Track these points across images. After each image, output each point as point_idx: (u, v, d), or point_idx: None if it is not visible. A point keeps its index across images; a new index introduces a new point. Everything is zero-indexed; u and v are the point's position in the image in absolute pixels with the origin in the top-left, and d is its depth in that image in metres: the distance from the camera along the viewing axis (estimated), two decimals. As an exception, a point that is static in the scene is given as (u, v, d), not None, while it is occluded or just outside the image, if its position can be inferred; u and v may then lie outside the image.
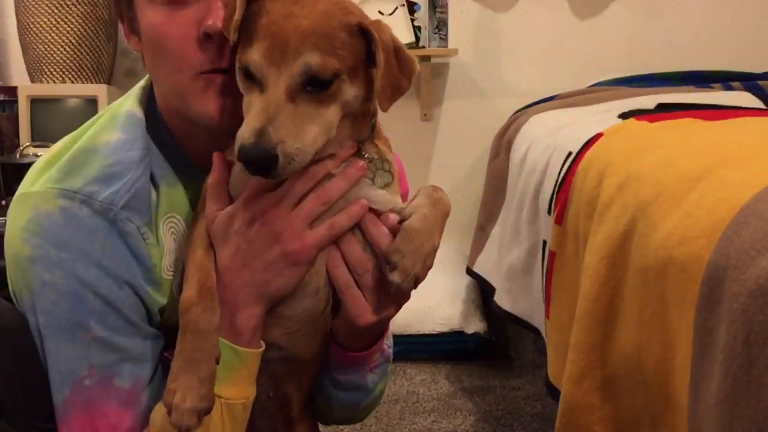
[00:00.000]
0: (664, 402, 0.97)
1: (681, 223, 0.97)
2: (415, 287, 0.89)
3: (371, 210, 0.91)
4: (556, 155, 1.72)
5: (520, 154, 2.13)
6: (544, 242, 1.68)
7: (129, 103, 0.99)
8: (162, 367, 0.98)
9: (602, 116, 1.93)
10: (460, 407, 2.12)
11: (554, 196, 1.62)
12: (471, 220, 2.63)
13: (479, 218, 2.49)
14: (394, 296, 0.92)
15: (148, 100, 1.00)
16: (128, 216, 0.92)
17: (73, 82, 2.69)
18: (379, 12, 2.81)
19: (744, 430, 0.74)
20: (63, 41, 2.66)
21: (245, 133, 0.79)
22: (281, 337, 0.94)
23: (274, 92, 0.80)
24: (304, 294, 0.92)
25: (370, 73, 0.86)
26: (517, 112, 2.67)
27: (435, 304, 2.44)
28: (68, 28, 2.65)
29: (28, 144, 2.57)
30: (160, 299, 0.96)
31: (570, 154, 1.63)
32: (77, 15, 2.66)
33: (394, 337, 1.17)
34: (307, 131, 0.81)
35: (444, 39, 2.76)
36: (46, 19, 2.63)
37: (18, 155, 2.53)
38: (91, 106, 2.60)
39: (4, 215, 0.95)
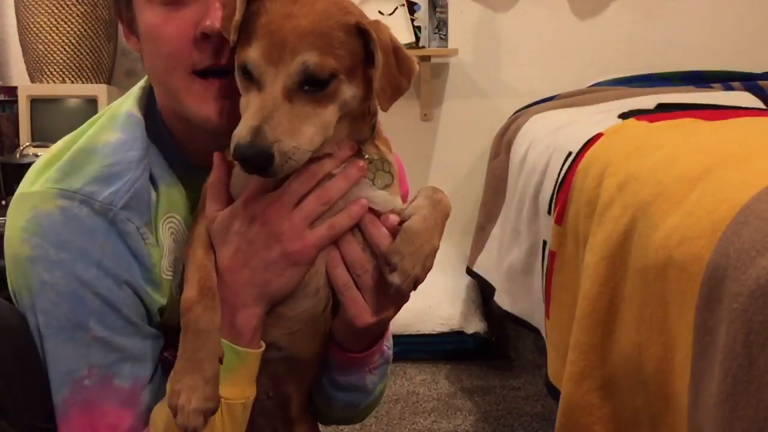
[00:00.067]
0: (664, 402, 0.97)
1: (681, 223, 0.97)
2: (414, 288, 0.88)
3: (371, 211, 0.91)
4: (556, 155, 1.72)
5: (520, 154, 2.13)
6: (544, 242, 1.68)
7: (128, 103, 0.99)
8: (162, 367, 0.98)
9: (602, 116, 1.93)
10: (460, 407, 2.12)
11: (554, 196, 1.62)
12: (471, 220, 2.63)
13: (479, 218, 2.49)
14: (393, 297, 0.92)
15: (147, 101, 1.01)
16: (128, 216, 0.92)
17: (73, 82, 2.69)
18: (379, 12, 2.81)
19: (744, 430, 0.74)
20: (63, 41, 2.66)
21: (241, 131, 0.79)
22: (281, 338, 0.94)
23: (271, 91, 0.80)
24: (304, 294, 0.92)
25: (369, 73, 0.86)
26: (517, 112, 2.67)
27: (435, 304, 2.44)
28: (68, 28, 2.65)
29: (28, 144, 2.57)
30: (159, 299, 0.96)
31: (570, 154, 1.63)
32: (77, 15, 2.66)
33: (394, 337, 1.17)
34: (303, 130, 0.81)
35: (444, 39, 2.76)
36: (46, 19, 2.63)
37: (18, 155, 2.53)
38: (91, 106, 2.60)
39: (4, 215, 0.95)
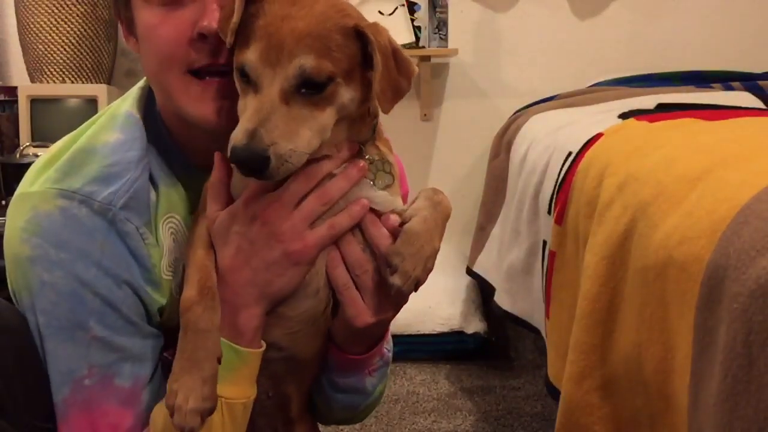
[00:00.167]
0: (663, 402, 0.97)
1: (681, 223, 0.97)
2: (416, 290, 0.88)
3: (372, 211, 0.91)
4: (556, 155, 1.72)
5: (520, 154, 2.13)
6: (544, 242, 1.68)
7: (128, 103, 0.99)
8: (162, 367, 0.98)
9: (602, 116, 1.93)
10: (460, 407, 2.12)
11: (554, 196, 1.62)
12: (471, 220, 2.63)
13: (479, 218, 2.49)
14: (393, 298, 0.92)
15: (147, 101, 1.01)
16: (127, 216, 0.92)
17: (73, 82, 2.69)
18: (379, 12, 2.81)
19: (744, 430, 0.74)
20: (63, 41, 2.66)
21: (237, 134, 0.79)
22: (282, 338, 0.94)
23: (268, 94, 0.80)
24: (304, 294, 0.92)
25: (367, 76, 0.86)
26: (517, 112, 2.67)
27: (435, 304, 2.44)
28: (68, 28, 2.65)
29: (28, 144, 2.57)
30: (159, 299, 0.96)
31: (570, 154, 1.63)
32: (77, 15, 2.66)
33: (394, 337, 1.17)
34: (300, 133, 0.81)
35: (444, 39, 2.76)
36: (46, 19, 2.63)
37: (18, 155, 2.53)
38: (91, 106, 2.60)
39: (4, 215, 0.95)
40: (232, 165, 0.83)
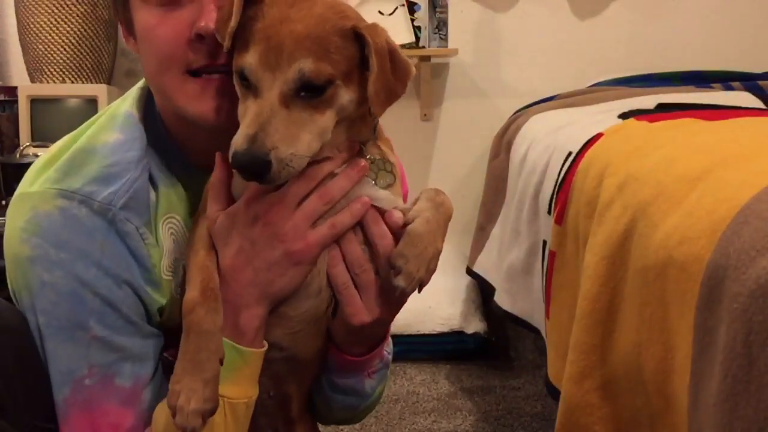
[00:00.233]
0: (663, 402, 0.97)
1: (681, 223, 0.97)
2: (419, 291, 0.89)
3: (375, 209, 0.91)
4: (556, 155, 1.72)
5: (520, 154, 2.13)
6: (544, 242, 1.68)
7: (128, 103, 0.99)
8: (162, 367, 0.97)
9: (602, 116, 1.93)
10: (460, 407, 2.12)
11: (554, 196, 1.62)
12: (471, 220, 2.63)
13: (479, 218, 2.49)
14: (395, 299, 0.92)
15: (146, 101, 1.01)
16: (127, 216, 0.92)
17: (73, 82, 2.69)
18: (379, 12, 2.81)
19: (744, 430, 0.74)
20: (63, 41, 2.66)
21: (238, 139, 0.79)
22: (283, 338, 0.94)
23: (268, 98, 0.80)
24: (306, 294, 0.92)
25: (366, 77, 0.85)
26: (517, 112, 2.67)
27: (435, 304, 2.44)
28: (68, 28, 2.65)
29: (28, 144, 2.57)
30: (159, 299, 0.96)
31: (570, 154, 1.63)
32: (77, 15, 2.65)
33: (394, 337, 1.17)
34: (301, 137, 0.81)
35: (444, 39, 2.76)
36: (46, 19, 2.63)
37: (18, 155, 2.53)
38: (91, 106, 2.60)
39: (4, 215, 0.95)
40: (234, 170, 0.83)
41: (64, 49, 2.66)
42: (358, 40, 0.84)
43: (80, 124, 1.00)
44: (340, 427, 1.81)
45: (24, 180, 0.94)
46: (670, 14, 2.98)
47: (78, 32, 2.66)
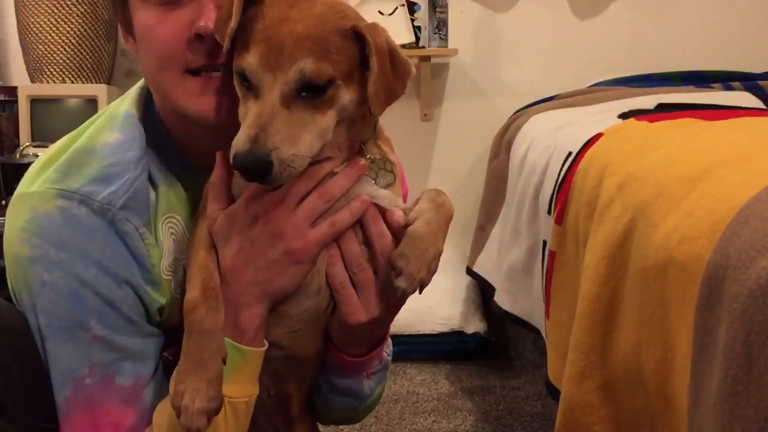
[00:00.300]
0: (663, 402, 0.97)
1: (681, 223, 0.97)
2: (420, 292, 0.89)
3: (375, 208, 0.91)
4: (556, 155, 1.72)
5: (520, 154, 2.13)
6: (544, 242, 1.68)
7: (127, 103, 0.99)
8: (162, 366, 0.98)
9: (602, 116, 1.93)
10: (460, 407, 2.12)
11: (554, 196, 1.62)
12: (471, 220, 2.62)
13: (479, 218, 2.49)
14: (396, 300, 0.92)
15: (146, 101, 1.01)
16: (126, 216, 0.92)
17: (73, 82, 2.69)
18: (379, 12, 2.81)
19: (744, 430, 0.74)
20: (63, 41, 2.66)
21: (240, 140, 0.79)
22: (283, 337, 0.95)
23: (269, 98, 0.80)
24: (306, 294, 0.93)
25: (366, 76, 0.86)
26: (517, 112, 2.67)
27: (435, 304, 2.44)
28: (68, 28, 2.65)
29: (28, 144, 2.57)
30: (159, 299, 0.96)
31: (570, 154, 1.63)
32: (77, 15, 2.65)
33: (394, 337, 1.17)
34: (302, 137, 0.81)
35: (444, 39, 2.76)
36: (46, 19, 2.63)
37: (18, 155, 2.53)
38: (91, 106, 2.60)
39: (4, 215, 0.95)
40: (235, 171, 0.83)
41: (64, 49, 2.66)
42: (359, 39, 0.84)
43: (80, 124, 1.00)
44: (340, 427, 1.81)
45: (23, 180, 0.94)
46: (670, 14, 2.98)
47: (78, 32, 2.66)
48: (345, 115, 0.86)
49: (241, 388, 0.91)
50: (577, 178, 1.49)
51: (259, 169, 0.79)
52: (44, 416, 0.91)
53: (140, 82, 1.03)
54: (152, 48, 0.91)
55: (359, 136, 0.92)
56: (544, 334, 1.67)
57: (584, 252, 1.29)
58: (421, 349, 2.44)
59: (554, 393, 1.42)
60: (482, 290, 2.51)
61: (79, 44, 2.67)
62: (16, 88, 2.70)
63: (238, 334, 0.89)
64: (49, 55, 2.67)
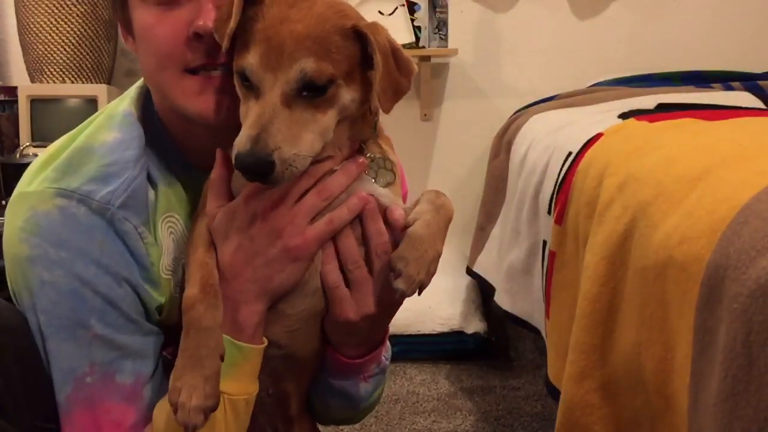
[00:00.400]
0: (663, 402, 0.97)
1: (681, 223, 0.97)
2: (419, 294, 0.89)
3: (376, 207, 0.91)
4: (556, 155, 1.72)
5: (520, 154, 2.13)
6: (544, 242, 1.68)
7: (126, 103, 0.99)
8: (161, 365, 0.98)
9: (602, 116, 1.93)
10: (460, 407, 2.12)
11: (554, 196, 1.62)
12: (471, 220, 2.63)
13: (479, 218, 2.49)
14: (396, 301, 0.92)
15: (145, 100, 1.01)
16: (125, 215, 0.92)
17: (73, 82, 2.69)
18: (379, 12, 2.81)
19: (744, 430, 0.74)
20: (63, 41, 2.66)
21: (241, 140, 0.79)
22: (281, 335, 0.95)
23: (270, 98, 0.80)
24: (303, 293, 0.93)
25: (367, 76, 0.86)
26: (517, 112, 2.67)
27: (435, 304, 2.44)
28: (68, 28, 2.65)
29: (28, 144, 2.57)
30: (158, 298, 0.96)
31: (570, 154, 1.63)
32: (77, 15, 2.65)
33: (394, 337, 1.17)
34: (303, 137, 0.81)
35: (444, 39, 2.76)
36: (46, 19, 2.63)
37: (18, 155, 2.53)
38: (91, 106, 2.60)
39: (4, 215, 0.95)
40: (237, 171, 0.83)
41: (64, 49, 2.66)
42: (359, 39, 0.84)
43: (80, 125, 1.00)
44: (340, 427, 1.81)
45: (22, 179, 0.94)
46: (670, 14, 2.98)
47: (78, 32, 2.66)
48: (346, 115, 0.86)
49: (241, 386, 0.91)
50: (577, 178, 1.49)
51: (260, 169, 0.79)
52: (44, 416, 0.92)
53: (139, 82, 1.03)
54: (151, 47, 0.91)
55: (360, 135, 0.92)
56: (544, 334, 1.67)
57: (584, 252, 1.29)
58: (421, 349, 2.44)
59: (554, 393, 1.42)
60: (482, 290, 2.51)
61: (79, 44, 2.67)
62: (16, 88, 2.70)
63: (237, 331, 0.89)
64: (49, 55, 2.67)
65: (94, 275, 0.90)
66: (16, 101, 2.65)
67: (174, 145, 1.00)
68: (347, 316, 0.92)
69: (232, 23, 0.83)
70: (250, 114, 0.81)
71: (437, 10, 2.73)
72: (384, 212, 0.92)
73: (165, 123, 1.00)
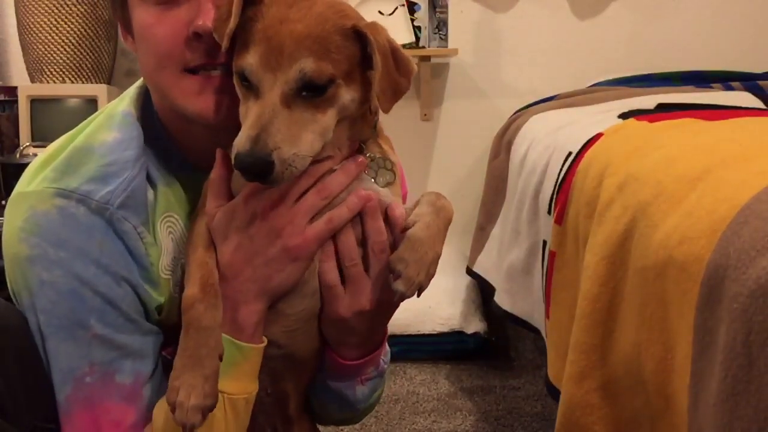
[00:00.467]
0: (663, 402, 0.97)
1: (681, 223, 0.97)
2: (418, 296, 0.89)
3: (376, 207, 0.91)
4: (556, 155, 1.72)
5: (520, 154, 2.13)
6: (544, 242, 1.68)
7: (125, 103, 0.99)
8: (161, 365, 0.98)
9: (602, 116, 1.93)
10: (460, 407, 2.12)
11: (554, 196, 1.62)
12: (471, 220, 2.63)
13: (479, 218, 2.49)
14: (395, 302, 0.93)
15: (144, 100, 1.01)
16: (125, 215, 0.92)
17: (73, 82, 2.70)
18: (379, 12, 2.81)
19: (744, 430, 0.74)
20: (63, 41, 2.66)
21: (241, 140, 0.79)
22: (281, 335, 0.95)
23: (270, 98, 0.80)
24: (302, 293, 0.93)
25: (367, 76, 0.86)
26: (517, 112, 2.67)
27: (435, 304, 2.44)
28: (68, 28, 2.65)
29: (28, 144, 2.57)
30: (157, 298, 0.96)
31: (570, 154, 1.62)
32: (77, 15, 2.66)
33: (394, 337, 1.17)
34: (303, 137, 0.81)
35: (444, 39, 2.76)
36: (46, 19, 2.63)
37: (18, 155, 2.53)
38: (91, 106, 2.60)
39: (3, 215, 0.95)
40: (236, 171, 0.83)
41: (64, 49, 2.66)
42: (359, 39, 0.84)
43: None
44: (340, 427, 1.81)
45: (21, 179, 0.94)
46: (670, 14, 2.98)
47: (78, 32, 2.66)
48: (346, 114, 0.86)
49: (240, 385, 0.91)
50: (577, 178, 1.49)
51: (260, 169, 0.79)
52: (44, 416, 0.91)
53: (139, 82, 1.03)
54: (150, 47, 0.91)
55: (360, 135, 0.92)
56: (544, 334, 1.67)
57: (584, 252, 1.29)
58: (421, 349, 2.44)
59: (554, 393, 1.42)
60: (482, 290, 2.51)
61: (79, 44, 2.67)
62: (16, 88, 2.70)
63: (237, 331, 0.89)
64: (49, 55, 2.67)
65: (94, 275, 0.90)
66: (16, 101, 2.65)
67: (173, 145, 1.00)
68: (339, 312, 0.92)
69: (232, 23, 0.83)
70: (249, 114, 0.81)
71: (437, 10, 2.73)
72: (384, 210, 0.92)
73: (164, 123, 1.00)
